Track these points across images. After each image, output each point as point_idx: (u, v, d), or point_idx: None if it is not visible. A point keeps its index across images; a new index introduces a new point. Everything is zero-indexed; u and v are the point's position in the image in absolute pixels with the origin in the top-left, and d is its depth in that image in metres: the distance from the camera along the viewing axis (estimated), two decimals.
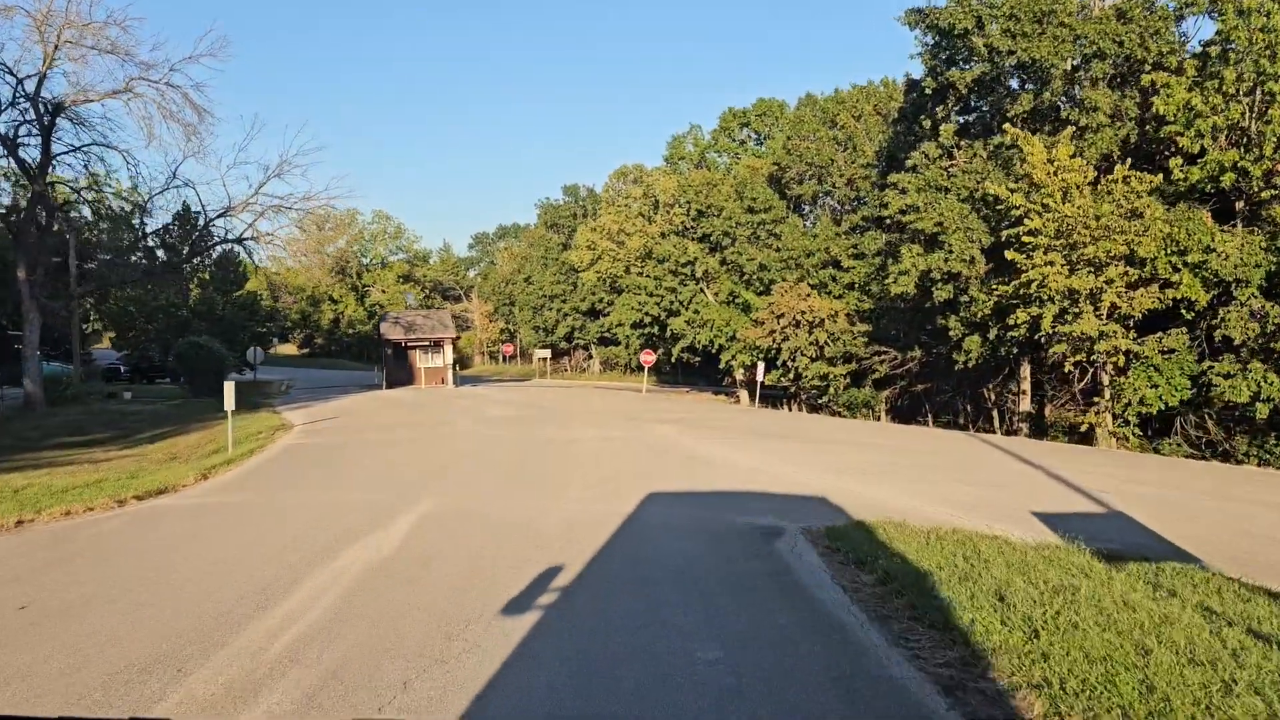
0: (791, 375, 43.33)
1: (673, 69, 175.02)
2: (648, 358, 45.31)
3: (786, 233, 44.59)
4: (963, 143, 31.77)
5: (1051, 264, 23.30)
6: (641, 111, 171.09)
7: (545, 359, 71.23)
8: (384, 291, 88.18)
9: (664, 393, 54.45)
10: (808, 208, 48.51)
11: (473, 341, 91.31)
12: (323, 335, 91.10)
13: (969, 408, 40.67)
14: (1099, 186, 24.78)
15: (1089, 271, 23.47)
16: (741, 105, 55.49)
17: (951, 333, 29.56)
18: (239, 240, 32.39)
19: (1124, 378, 25.19)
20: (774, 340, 42.38)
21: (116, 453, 20.09)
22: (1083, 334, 23.39)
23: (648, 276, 51.82)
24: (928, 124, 33.25)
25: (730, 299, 48.29)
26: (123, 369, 50.68)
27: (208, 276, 49.84)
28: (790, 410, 45.97)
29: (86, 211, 39.90)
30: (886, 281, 31.05)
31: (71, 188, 30.09)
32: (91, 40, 26.62)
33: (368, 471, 14.42)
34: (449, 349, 45.86)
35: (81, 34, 26.35)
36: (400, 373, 45.19)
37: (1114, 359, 24.08)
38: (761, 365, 32.76)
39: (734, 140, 55.48)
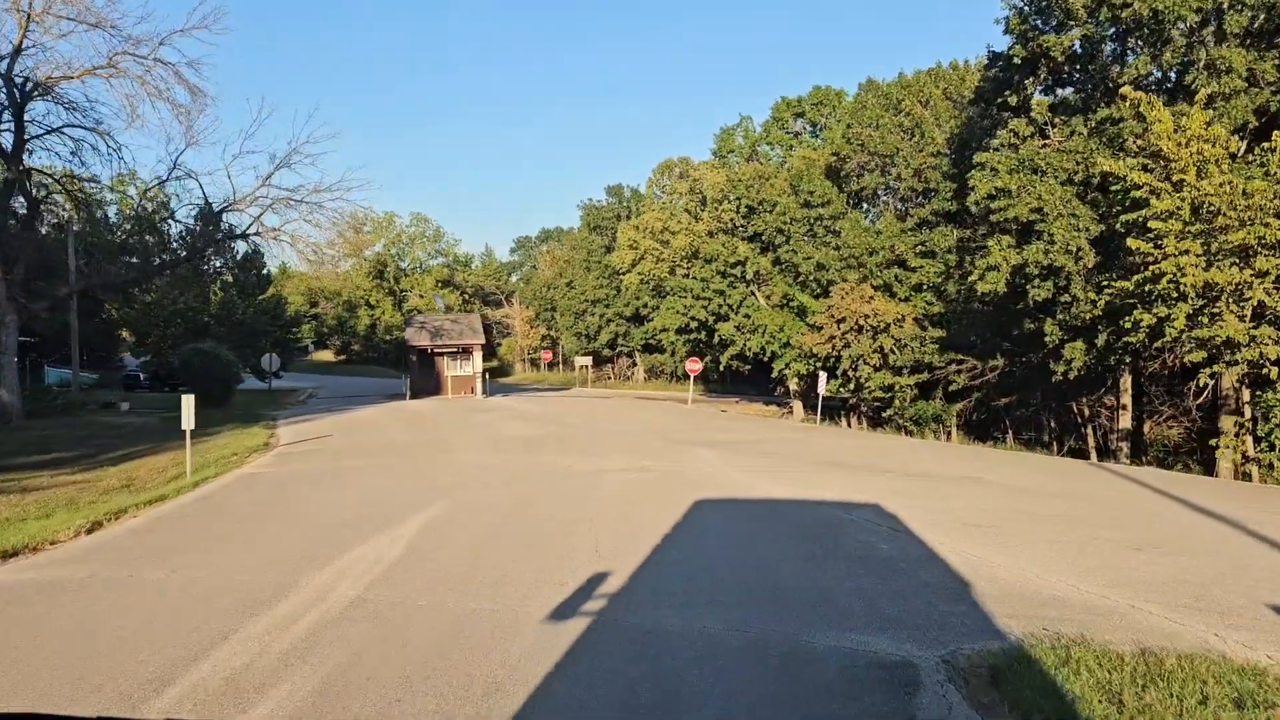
0: (852, 386, 39.27)
1: (721, 60, 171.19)
2: (694, 366, 41.55)
3: (847, 229, 40.51)
4: (1057, 119, 27.54)
5: (1187, 253, 19.02)
6: (688, 107, 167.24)
7: (586, 367, 67.84)
8: (422, 296, 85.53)
9: (711, 403, 50.66)
10: (868, 203, 44.29)
11: (513, 348, 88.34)
12: (360, 341, 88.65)
13: (1053, 423, 36.16)
14: (1240, 160, 20.50)
15: (1232, 263, 19.16)
16: (796, 94, 51.55)
17: (1048, 338, 25.29)
18: (243, 236, 29.40)
19: (1270, 393, 20.80)
20: (833, 347, 38.34)
21: (67, 477, 16.99)
22: (1227, 338, 19.05)
23: (694, 278, 48.00)
24: (1014, 100, 29.07)
25: (784, 302, 44.29)
26: (142, 377, 48.33)
27: (231, 279, 47.27)
28: (850, 425, 41.85)
29: (111, 212, 37.47)
30: (970, 279, 26.88)
31: (53, 177, 27.36)
32: (72, 10, 23.78)
33: (304, 520, 10.96)
34: (478, 356, 42.39)
35: (59, 2, 23.52)
36: (426, 381, 41.95)
37: (1263, 369, 19.65)
38: (824, 376, 28.71)
39: (787, 132, 51.39)
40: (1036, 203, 23.35)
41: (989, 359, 32.05)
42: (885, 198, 44.56)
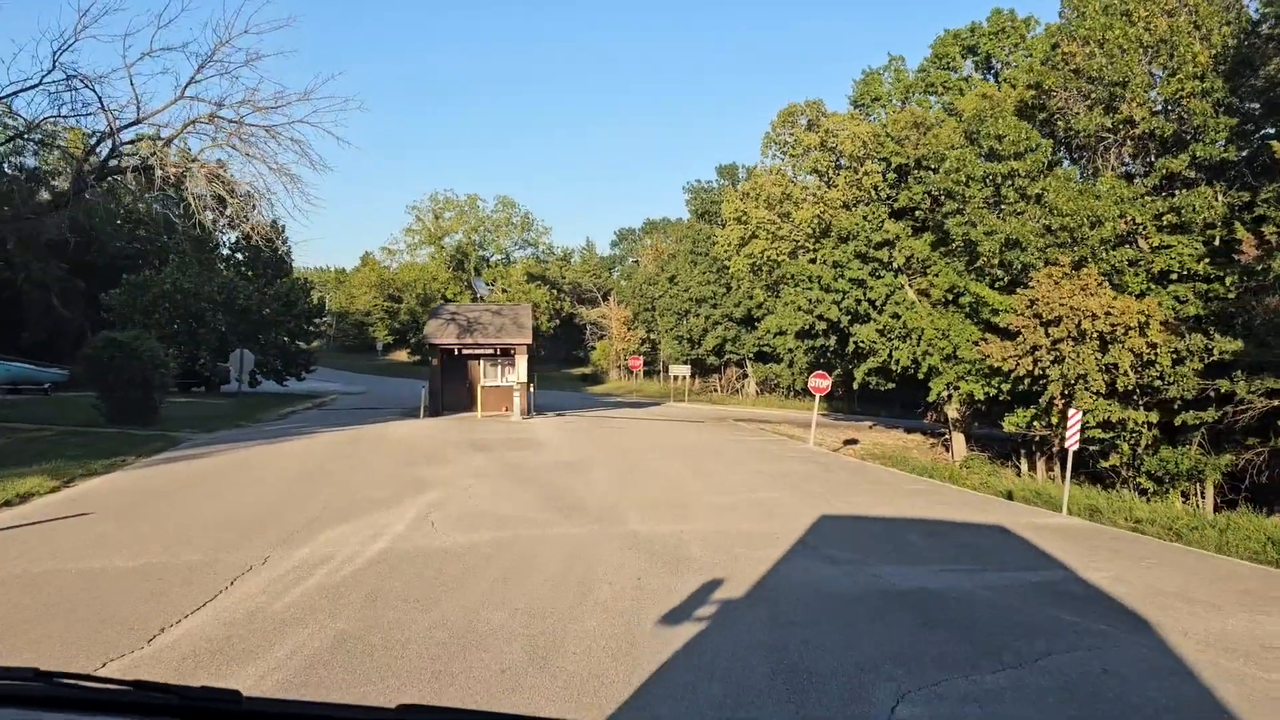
0: (1054, 419, 26.54)
1: (861, 20, 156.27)
2: (820, 383, 29.40)
3: (1055, 189, 27.58)
4: None
5: None
6: (821, 76, 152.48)
7: (683, 377, 56.34)
8: (505, 291, 75.85)
9: (837, 427, 38.34)
10: (1084, 155, 30.84)
11: (607, 353, 77.58)
12: None
13: None
14: None
15: None
16: (964, 24, 38.54)
17: None
18: (138, 168, 19.34)
19: None
20: (1033, 363, 25.67)
21: None
22: None
23: (823, 263, 35.79)
24: None
25: (949, 297, 31.64)
26: None
27: (241, 258, 38.11)
28: (1037, 473, 28.91)
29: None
30: None
31: None
32: None
33: None
34: (523, 361, 30.79)
35: None
36: (456, 390, 30.99)
37: None
38: (1076, 415, 16.13)
39: (953, 73, 38.63)
40: None
41: None
42: (1113, 144, 30.83)
